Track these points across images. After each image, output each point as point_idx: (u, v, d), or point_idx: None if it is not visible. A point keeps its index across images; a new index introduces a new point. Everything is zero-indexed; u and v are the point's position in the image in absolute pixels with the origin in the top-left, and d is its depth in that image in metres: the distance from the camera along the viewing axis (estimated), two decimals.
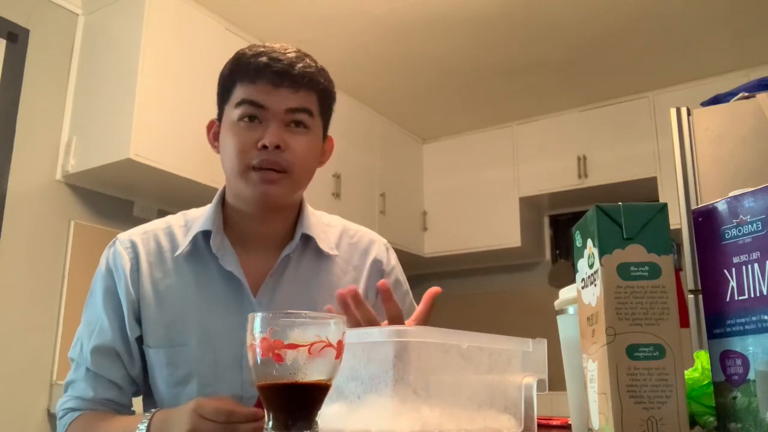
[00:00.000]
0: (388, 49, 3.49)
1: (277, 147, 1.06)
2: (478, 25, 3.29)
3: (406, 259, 4.24)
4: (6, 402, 2.55)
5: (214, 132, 1.17)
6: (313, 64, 1.12)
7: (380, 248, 1.27)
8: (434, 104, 4.15)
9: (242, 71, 1.10)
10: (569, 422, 0.82)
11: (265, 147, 1.06)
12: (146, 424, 0.93)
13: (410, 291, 1.32)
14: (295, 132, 1.10)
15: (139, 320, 1.12)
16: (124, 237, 1.17)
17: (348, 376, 0.71)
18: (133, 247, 1.15)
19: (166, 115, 2.80)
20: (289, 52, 1.10)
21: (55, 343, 2.73)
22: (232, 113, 1.10)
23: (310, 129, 1.12)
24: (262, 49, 1.10)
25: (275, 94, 1.08)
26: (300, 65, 1.09)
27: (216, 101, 1.16)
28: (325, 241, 1.20)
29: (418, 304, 0.96)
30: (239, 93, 1.10)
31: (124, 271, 1.12)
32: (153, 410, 0.96)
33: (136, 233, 1.17)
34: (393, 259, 1.29)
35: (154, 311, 1.11)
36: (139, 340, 1.12)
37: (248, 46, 1.13)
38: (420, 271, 4.62)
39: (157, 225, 1.19)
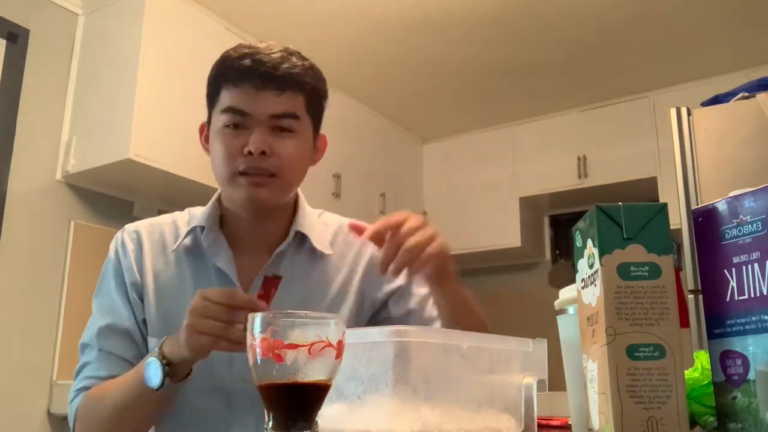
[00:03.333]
0: (388, 49, 3.49)
1: (263, 153, 1.06)
2: (477, 25, 3.28)
3: None
4: (6, 402, 2.55)
5: (205, 135, 1.18)
6: (299, 63, 1.10)
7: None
8: (434, 104, 4.15)
9: (226, 74, 1.09)
10: (569, 422, 0.82)
11: (251, 153, 1.06)
12: (159, 344, 0.96)
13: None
14: (282, 136, 1.09)
15: (142, 303, 1.14)
16: (131, 227, 1.20)
17: (348, 376, 0.71)
18: (138, 236, 1.18)
19: (166, 115, 2.79)
20: (274, 53, 1.08)
21: (55, 343, 2.73)
22: (218, 120, 1.10)
23: (296, 132, 1.10)
24: (246, 51, 1.08)
25: (259, 98, 1.06)
26: (285, 66, 1.07)
27: (206, 104, 1.16)
28: (320, 240, 1.19)
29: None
30: (224, 98, 1.09)
31: (130, 257, 1.15)
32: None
33: (142, 225, 1.20)
34: None
35: (153, 300, 1.13)
36: (145, 323, 1.14)
37: (234, 47, 1.11)
38: None
39: (163, 219, 1.22)
